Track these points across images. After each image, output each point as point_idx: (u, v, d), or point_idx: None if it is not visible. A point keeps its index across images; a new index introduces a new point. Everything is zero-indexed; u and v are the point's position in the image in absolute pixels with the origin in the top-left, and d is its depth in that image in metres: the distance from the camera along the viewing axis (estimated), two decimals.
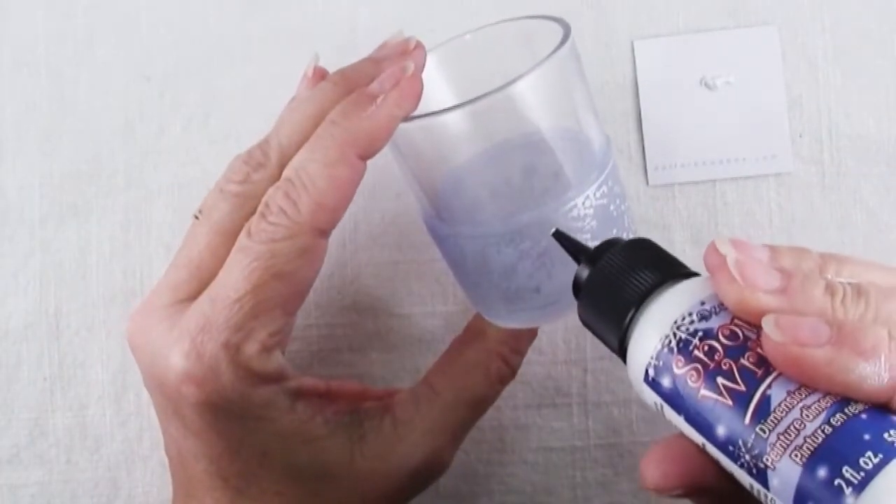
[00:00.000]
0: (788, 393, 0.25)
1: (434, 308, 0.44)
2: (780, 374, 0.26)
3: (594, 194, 0.34)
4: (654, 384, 0.28)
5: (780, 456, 0.25)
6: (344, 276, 0.45)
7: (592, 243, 0.32)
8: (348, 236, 0.44)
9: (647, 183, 0.44)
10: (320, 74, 0.39)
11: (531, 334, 0.40)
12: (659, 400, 0.28)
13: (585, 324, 0.32)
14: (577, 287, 0.32)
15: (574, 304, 0.33)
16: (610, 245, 0.31)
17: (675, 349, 0.28)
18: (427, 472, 0.38)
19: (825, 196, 0.44)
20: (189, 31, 0.45)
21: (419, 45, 0.36)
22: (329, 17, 0.45)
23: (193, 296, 0.35)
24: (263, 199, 0.34)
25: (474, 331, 0.39)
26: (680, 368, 0.27)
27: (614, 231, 0.35)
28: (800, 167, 0.44)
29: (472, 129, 0.33)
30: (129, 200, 0.45)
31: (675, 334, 0.28)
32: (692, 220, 0.44)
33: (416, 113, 0.34)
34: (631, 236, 0.36)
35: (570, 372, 0.44)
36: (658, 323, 0.28)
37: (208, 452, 0.35)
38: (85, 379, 0.44)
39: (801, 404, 0.25)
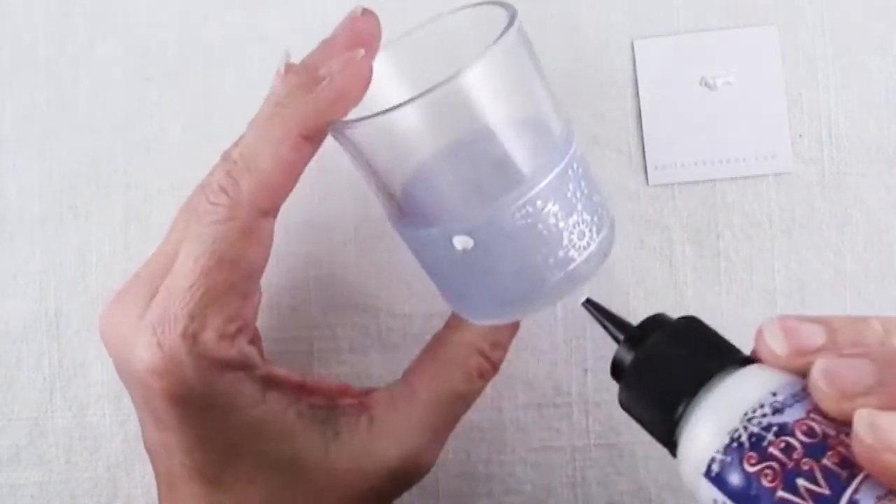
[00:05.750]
0: (878, 499, 0.24)
1: (434, 308, 0.44)
2: (867, 477, 0.24)
3: (556, 181, 0.33)
4: (718, 480, 0.26)
5: None
6: (344, 276, 0.44)
7: (564, 233, 0.32)
8: (348, 236, 0.44)
9: (647, 183, 0.44)
10: None
11: (512, 328, 0.39)
12: (721, 497, 0.26)
13: (626, 408, 0.31)
14: (618, 369, 0.31)
15: (554, 294, 0.32)
16: (655, 324, 0.30)
17: (747, 445, 0.26)
18: (406, 473, 0.37)
19: (825, 196, 0.44)
20: (189, 31, 0.45)
21: (367, 12, 0.36)
22: (329, 17, 0.45)
23: None
24: (205, 179, 0.34)
25: (452, 326, 0.38)
26: (752, 466, 0.26)
27: (585, 216, 0.34)
28: (800, 167, 0.44)
29: (426, 125, 0.32)
30: (129, 200, 0.45)
31: (745, 428, 0.26)
32: (692, 220, 0.44)
33: (370, 114, 0.33)
34: (607, 221, 0.35)
35: (570, 372, 0.44)
36: (721, 415, 0.27)
37: (181, 445, 0.34)
38: (85, 379, 0.44)
39: None
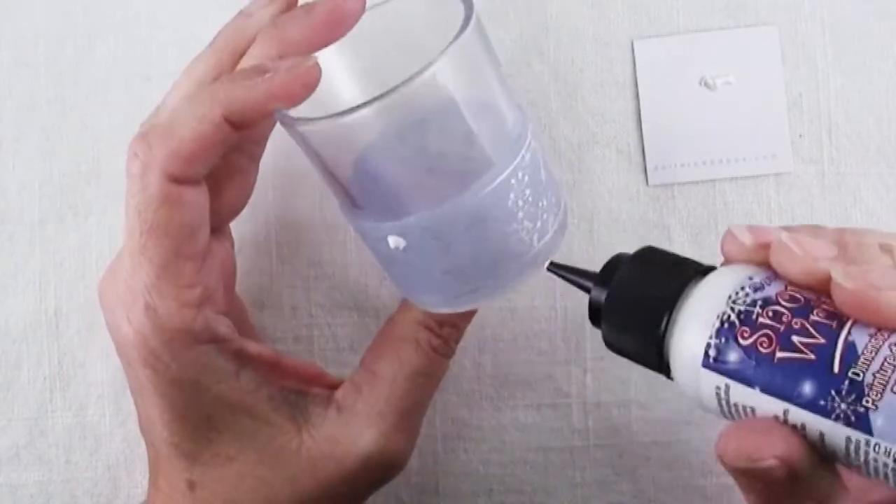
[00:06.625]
0: (870, 336, 0.26)
1: None
2: (855, 322, 0.26)
3: (515, 170, 0.33)
4: (716, 364, 0.28)
5: (881, 394, 0.25)
6: (344, 276, 0.45)
7: (526, 223, 0.32)
8: (348, 236, 0.44)
9: (647, 183, 0.44)
10: None
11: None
12: (724, 381, 0.28)
13: (612, 347, 0.31)
14: (596, 313, 0.31)
15: (505, 283, 0.33)
16: (617, 262, 0.31)
17: (738, 322, 0.27)
18: (380, 460, 0.37)
19: (825, 196, 0.44)
20: (189, 31, 0.45)
21: None
22: None
23: None
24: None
25: (401, 307, 0.39)
26: (747, 339, 0.27)
27: (527, 224, 0.34)
28: (800, 167, 0.44)
29: (381, 122, 0.32)
30: None
31: (732, 308, 0.28)
32: (692, 220, 0.44)
33: (319, 116, 0.33)
34: (552, 228, 0.35)
35: (570, 372, 0.44)
36: (706, 309, 0.28)
37: (161, 418, 0.35)
38: (85, 379, 0.44)
39: (887, 342, 0.26)
